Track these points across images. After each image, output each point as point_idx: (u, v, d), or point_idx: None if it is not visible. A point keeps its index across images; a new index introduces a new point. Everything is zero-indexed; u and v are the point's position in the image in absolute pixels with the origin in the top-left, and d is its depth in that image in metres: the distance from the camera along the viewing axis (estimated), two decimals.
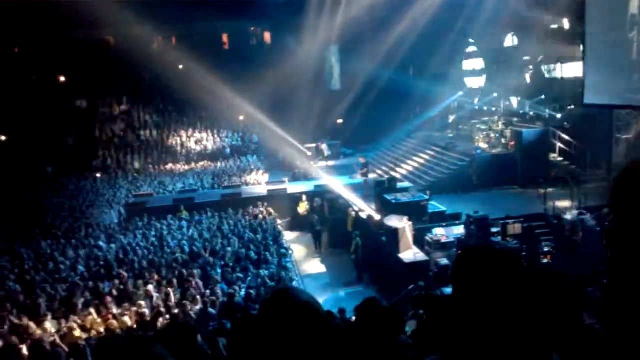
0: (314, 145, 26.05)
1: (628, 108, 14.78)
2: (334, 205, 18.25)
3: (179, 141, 28.55)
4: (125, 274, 11.71)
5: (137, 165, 26.52)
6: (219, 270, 12.20)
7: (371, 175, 19.68)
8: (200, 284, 11.37)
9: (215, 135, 29.05)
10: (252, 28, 32.90)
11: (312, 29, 26.88)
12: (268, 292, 10.71)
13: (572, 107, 18.40)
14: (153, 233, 15.48)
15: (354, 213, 16.51)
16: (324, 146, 24.44)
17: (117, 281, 11.40)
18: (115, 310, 10.00)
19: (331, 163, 24.56)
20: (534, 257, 12.55)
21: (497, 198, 17.03)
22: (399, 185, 16.90)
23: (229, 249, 13.56)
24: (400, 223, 13.14)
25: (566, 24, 18.85)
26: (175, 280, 11.36)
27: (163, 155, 27.49)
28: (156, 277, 11.79)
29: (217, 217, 16.77)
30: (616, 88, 13.92)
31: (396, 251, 12.86)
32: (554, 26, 19.21)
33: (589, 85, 15.04)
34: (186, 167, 26.06)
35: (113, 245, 14.40)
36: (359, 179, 19.63)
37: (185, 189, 21.31)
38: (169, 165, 26.44)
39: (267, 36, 32.66)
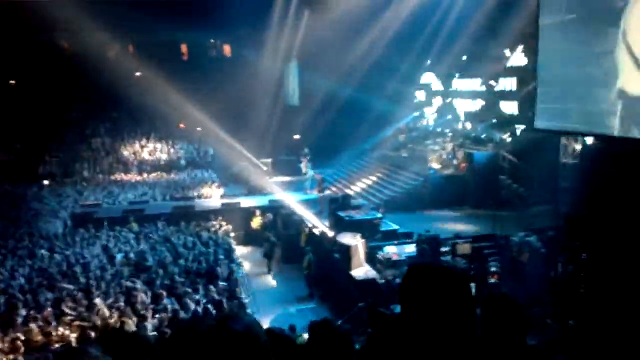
0: (269, 159, 25.97)
1: (575, 134, 15.41)
2: (287, 220, 18.18)
3: (131, 151, 27.92)
4: (69, 287, 11.28)
5: (86, 174, 25.74)
6: (167, 284, 11.90)
7: (326, 192, 19.76)
8: (146, 298, 11.06)
9: (170, 147, 28.58)
10: (212, 40, 32.71)
11: (272, 44, 26.97)
12: (216, 308, 10.53)
13: (522, 131, 19.02)
14: (99, 244, 15.00)
15: (307, 229, 16.48)
16: (304, 163, 24.07)
17: (60, 294, 10.96)
18: (56, 324, 9.58)
19: (286, 179, 24.49)
20: (482, 277, 12.81)
21: (448, 218, 17.38)
22: (353, 202, 17.01)
23: (180, 262, 13.28)
24: (353, 240, 13.21)
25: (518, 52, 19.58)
26: (120, 294, 11.01)
27: (114, 165, 26.80)
28: (101, 290, 11.39)
29: (168, 230, 16.42)
30: (564, 115, 14.49)
31: (348, 268, 12.90)
32: (507, 53, 19.90)
33: (539, 111, 15.60)
34: (138, 178, 25.47)
35: (57, 256, 13.85)
36: (313, 194, 19.63)
37: (135, 199, 20.79)
38: (120, 175, 25.79)
39: (227, 49, 32.53)
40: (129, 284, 11.64)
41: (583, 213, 14.71)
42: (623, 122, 12.29)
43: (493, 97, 21.27)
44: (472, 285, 9.87)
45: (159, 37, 29.35)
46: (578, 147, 16.10)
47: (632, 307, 9.58)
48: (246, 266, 16.04)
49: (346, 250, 13.12)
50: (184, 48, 32.25)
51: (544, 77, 15.29)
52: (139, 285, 11.55)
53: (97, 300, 10.46)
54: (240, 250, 17.17)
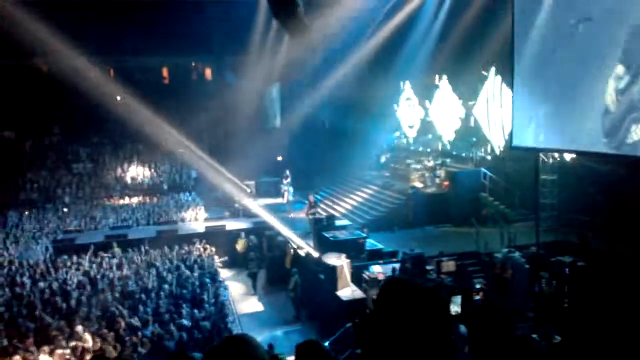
0: (253, 182, 25.98)
1: (552, 151, 15.73)
2: (272, 242, 18.13)
3: (113, 175, 27.71)
4: (49, 317, 11.08)
5: (67, 199, 25.45)
6: (151, 310, 11.77)
7: (302, 214, 19.79)
8: (131, 324, 10.92)
9: (152, 170, 28.42)
10: (193, 63, 32.85)
11: (253, 67, 27.17)
12: (203, 333, 10.44)
13: (502, 149, 19.33)
14: (82, 271, 14.79)
15: (292, 250, 16.46)
16: (286, 189, 24.08)
17: (41, 322, 10.77)
18: (37, 353, 9.40)
19: (270, 200, 24.49)
20: (467, 294, 12.88)
21: (432, 236, 17.51)
22: (337, 223, 17.06)
23: (164, 286, 13.15)
24: (338, 261, 13.22)
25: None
26: (103, 322, 10.86)
27: (96, 190, 26.55)
28: (84, 317, 11.22)
29: (152, 255, 16.26)
30: (540, 132, 14.80)
31: (334, 289, 12.88)
32: (484, 73, 20.31)
33: (517, 129, 15.92)
34: (120, 202, 25.25)
35: (40, 284, 13.62)
36: (301, 216, 19.68)
37: (118, 224, 20.59)
38: (102, 200, 25.54)
39: (208, 72, 32.67)
40: (112, 310, 11.49)
41: (562, 228, 14.96)
42: (597, 139, 12.61)
43: (472, 116, 21.62)
44: (458, 298, 9.98)
45: (140, 60, 29.42)
46: (556, 163, 16.42)
47: (615, 321, 9.72)
48: (232, 289, 15.92)
49: (332, 271, 13.11)
50: (165, 72, 32.31)
51: (518, 95, 15.66)
52: (122, 311, 11.41)
53: (79, 328, 10.30)
54: (225, 274, 17.05)
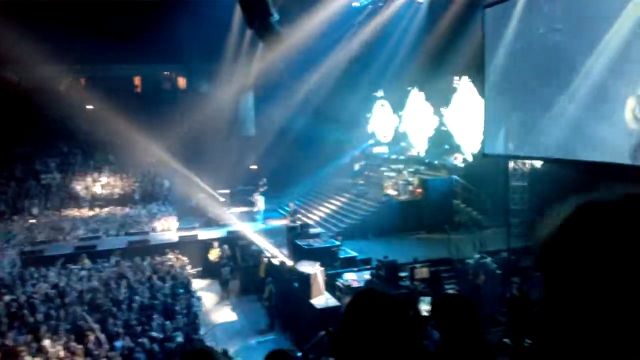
0: (227, 191, 25.78)
1: (522, 159, 16.01)
2: (246, 251, 18.00)
3: (83, 185, 27.18)
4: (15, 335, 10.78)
5: (35, 210, 24.86)
6: (121, 323, 11.54)
7: (283, 221, 19.69)
8: (101, 337, 10.69)
9: (124, 180, 27.98)
10: (166, 72, 32.56)
11: (227, 76, 27.07)
12: (174, 344, 10.28)
13: (474, 156, 19.59)
14: (50, 283, 14.43)
15: (266, 259, 16.36)
16: (258, 197, 23.92)
17: (6, 338, 10.46)
18: None
19: (244, 209, 24.32)
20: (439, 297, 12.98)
21: (406, 243, 17.60)
22: (311, 231, 17.04)
23: (135, 298, 12.92)
24: (312, 269, 13.19)
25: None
26: (72, 335, 10.61)
27: (66, 200, 26.00)
28: (52, 331, 10.94)
29: (122, 266, 15.97)
30: (510, 140, 15.07)
31: (308, 297, 12.83)
32: (456, 82, 20.60)
33: (488, 137, 16.18)
34: (90, 213, 24.76)
35: (5, 297, 13.23)
36: (276, 224, 19.59)
37: (88, 235, 20.19)
38: (72, 211, 25.01)
39: (182, 81, 32.42)
40: (81, 323, 11.24)
41: (531, 234, 15.11)
42: (565, 146, 12.89)
43: (444, 124, 21.90)
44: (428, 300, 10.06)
45: (111, 69, 29.05)
46: (526, 170, 16.71)
47: (587, 325, 9.86)
48: (205, 299, 15.73)
49: (306, 279, 13.07)
50: (137, 80, 31.95)
51: (490, 104, 15.94)
52: (92, 324, 11.17)
53: (47, 342, 10.04)
54: (198, 284, 16.85)
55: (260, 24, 12.83)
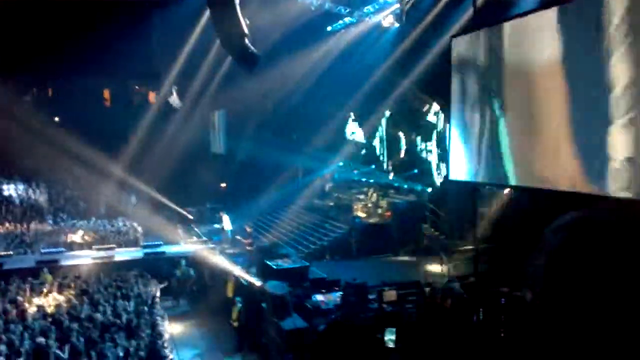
0: (195, 208, 25.54)
1: (489, 185, 16.33)
2: (213, 270, 17.76)
3: (46, 198, 26.48)
4: None
5: None
6: (82, 340, 11.21)
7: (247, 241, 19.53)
8: (60, 356, 10.36)
9: (89, 194, 27.32)
10: (137, 87, 32.25)
11: (198, 92, 27.00)
12: None
13: (442, 182, 19.92)
14: (8, 298, 13.93)
15: (234, 279, 16.17)
16: (225, 217, 23.64)
17: None
18: None
19: (212, 227, 24.08)
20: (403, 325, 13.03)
21: (374, 265, 17.69)
22: (281, 250, 16.97)
23: (97, 315, 12.58)
24: (281, 289, 13.09)
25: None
26: (31, 353, 10.24)
27: (27, 213, 25.24)
28: (11, 350, 10.54)
29: (86, 282, 15.55)
30: (476, 167, 15.37)
31: (277, 318, 12.71)
32: (425, 107, 21.02)
33: (454, 163, 16.46)
34: (54, 227, 24.08)
35: None
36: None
37: (50, 249, 19.60)
38: (34, 224, 24.27)
39: (152, 96, 32.13)
40: (40, 341, 10.87)
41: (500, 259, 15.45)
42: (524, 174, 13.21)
43: (414, 149, 22.26)
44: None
45: (80, 82, 28.55)
46: (493, 196, 17.06)
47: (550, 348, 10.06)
48: (170, 318, 15.40)
49: (274, 300, 12.96)
50: (106, 94, 31.53)
51: (456, 130, 16.25)
52: (52, 342, 10.82)
53: None
54: (164, 302, 16.51)
55: (237, 48, 12.83)
